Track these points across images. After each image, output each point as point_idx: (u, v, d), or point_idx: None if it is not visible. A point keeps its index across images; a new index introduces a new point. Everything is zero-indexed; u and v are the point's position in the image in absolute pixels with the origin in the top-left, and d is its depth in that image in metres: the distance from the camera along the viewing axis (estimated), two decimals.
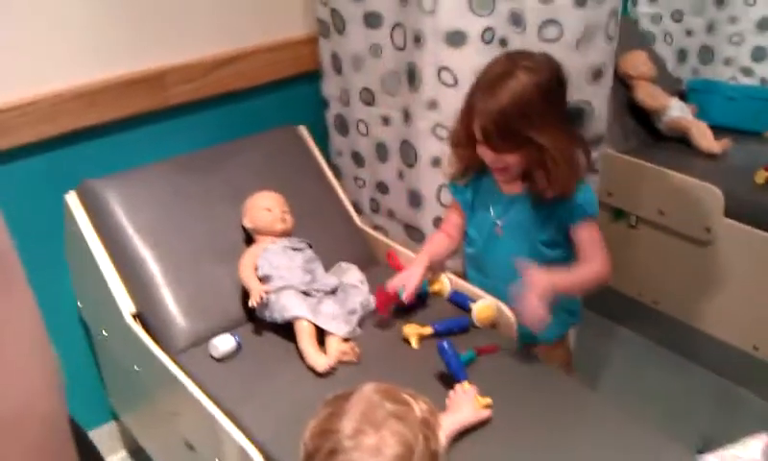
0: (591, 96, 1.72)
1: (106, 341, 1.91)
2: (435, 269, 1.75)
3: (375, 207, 2.18)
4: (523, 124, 1.46)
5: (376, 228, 2.18)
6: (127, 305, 1.75)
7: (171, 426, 1.69)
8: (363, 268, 1.86)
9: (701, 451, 1.27)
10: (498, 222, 1.63)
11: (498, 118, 1.47)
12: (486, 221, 1.65)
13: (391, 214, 2.13)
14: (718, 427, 2.01)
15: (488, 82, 1.51)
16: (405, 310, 1.70)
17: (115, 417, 2.12)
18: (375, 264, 1.97)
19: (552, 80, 1.49)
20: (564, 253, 1.60)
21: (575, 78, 1.62)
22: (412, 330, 1.62)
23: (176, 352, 1.66)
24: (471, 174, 1.66)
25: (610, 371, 2.33)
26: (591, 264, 1.56)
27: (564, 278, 1.54)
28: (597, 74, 1.71)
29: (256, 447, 1.37)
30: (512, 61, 1.50)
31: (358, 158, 2.17)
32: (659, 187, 2.33)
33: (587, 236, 1.57)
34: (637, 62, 2.59)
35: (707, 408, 2.19)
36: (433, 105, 1.83)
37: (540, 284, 1.46)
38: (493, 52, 1.70)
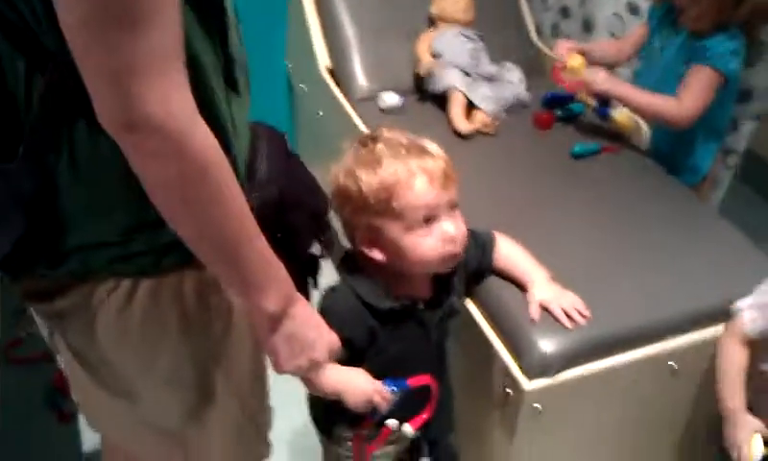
0: None
1: (302, 94, 2.32)
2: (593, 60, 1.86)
3: (556, 33, 2.34)
4: None
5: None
6: (324, 60, 2.12)
7: None
8: (528, 76, 2.06)
9: None
10: (659, 46, 1.74)
11: None
12: (654, 44, 1.77)
13: (569, 38, 2.28)
14: None
15: None
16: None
17: None
18: (541, 76, 2.14)
19: None
20: None
21: None
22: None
23: (354, 102, 2.01)
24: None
25: None
26: (671, 99, 1.61)
27: (632, 89, 1.67)
28: None
29: None
30: None
31: None
32: None
33: (692, 78, 1.59)
34: None
35: None
36: None
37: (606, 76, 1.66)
38: None
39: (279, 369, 0.91)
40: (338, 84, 2.08)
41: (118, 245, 0.80)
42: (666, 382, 1.34)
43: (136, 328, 0.85)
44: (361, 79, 2.04)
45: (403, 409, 1.12)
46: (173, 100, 0.67)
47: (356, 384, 1.06)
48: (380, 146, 1.10)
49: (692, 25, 1.59)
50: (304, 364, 0.92)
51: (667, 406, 1.39)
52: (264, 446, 1.10)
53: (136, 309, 0.84)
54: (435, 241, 1.08)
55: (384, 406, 1.07)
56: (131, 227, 0.80)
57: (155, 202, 0.72)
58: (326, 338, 0.94)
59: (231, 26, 0.82)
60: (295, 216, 0.98)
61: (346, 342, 1.07)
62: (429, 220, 1.08)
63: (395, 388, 1.08)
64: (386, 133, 1.14)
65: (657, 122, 1.73)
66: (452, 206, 1.10)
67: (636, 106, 1.69)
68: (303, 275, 1.01)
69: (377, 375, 1.09)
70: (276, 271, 0.83)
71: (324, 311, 1.10)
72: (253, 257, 0.79)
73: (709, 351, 1.33)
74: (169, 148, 0.67)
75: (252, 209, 0.78)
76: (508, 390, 1.26)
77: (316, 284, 1.08)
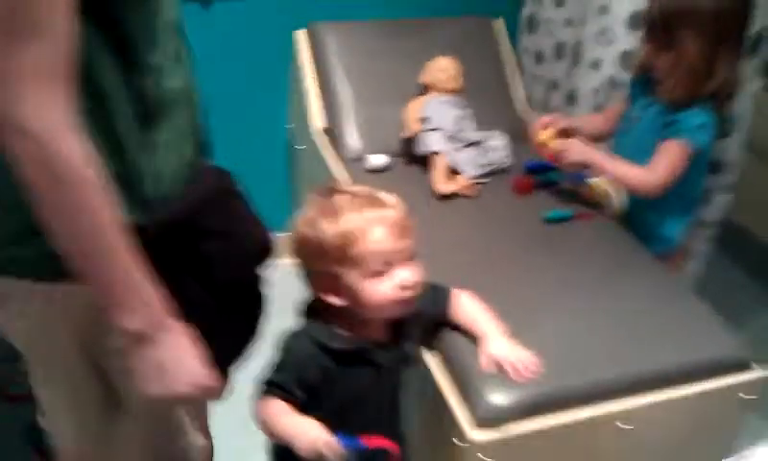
0: None
1: (300, 153, 2.43)
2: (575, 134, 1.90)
3: (544, 105, 2.43)
4: (678, 22, 1.59)
5: None
6: (320, 122, 2.23)
7: None
8: (513, 143, 2.13)
9: None
10: (636, 116, 1.81)
11: (664, 7, 1.61)
12: (632, 113, 1.83)
13: (555, 111, 2.36)
14: None
15: None
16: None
17: None
18: (526, 144, 2.19)
19: (736, 2, 1.60)
20: None
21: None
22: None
23: (345, 161, 2.11)
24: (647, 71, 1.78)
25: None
26: (642, 168, 1.67)
27: (604, 157, 1.72)
28: None
29: None
30: None
31: (540, 57, 2.43)
32: None
33: (663, 150, 1.65)
34: None
35: None
36: (604, 9, 2.03)
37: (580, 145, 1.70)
38: None
39: (141, 390, 0.91)
40: (333, 144, 2.18)
41: (13, 246, 0.87)
42: (615, 443, 1.36)
43: (36, 334, 0.91)
44: (354, 140, 2.14)
45: None
46: (49, 110, 0.74)
47: (307, 433, 1.09)
48: (340, 197, 1.17)
49: (668, 96, 1.66)
50: (163, 393, 0.91)
51: None
52: None
53: (33, 314, 0.90)
54: (391, 288, 1.14)
55: (332, 459, 1.08)
56: (22, 231, 0.86)
57: (32, 204, 0.78)
58: (193, 373, 0.92)
59: (153, 63, 0.88)
60: (212, 245, 1.00)
61: (302, 384, 1.14)
62: (386, 267, 1.14)
63: (348, 444, 1.09)
64: (345, 186, 1.21)
65: (628, 190, 1.78)
66: (409, 255, 1.16)
67: (607, 173, 1.75)
68: (224, 307, 1.03)
69: (330, 416, 1.13)
70: (144, 291, 0.85)
71: (282, 354, 1.17)
72: (118, 274, 0.83)
73: (661, 414, 1.35)
74: (36, 154, 0.75)
75: (141, 228, 0.82)
76: (455, 440, 1.29)
77: (253, 329, 1.12)
